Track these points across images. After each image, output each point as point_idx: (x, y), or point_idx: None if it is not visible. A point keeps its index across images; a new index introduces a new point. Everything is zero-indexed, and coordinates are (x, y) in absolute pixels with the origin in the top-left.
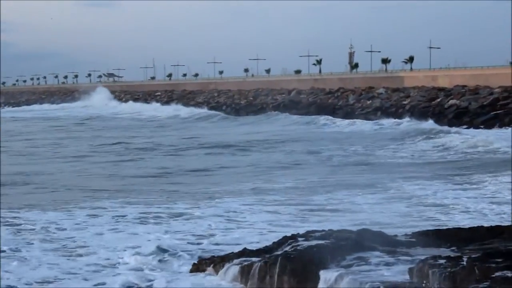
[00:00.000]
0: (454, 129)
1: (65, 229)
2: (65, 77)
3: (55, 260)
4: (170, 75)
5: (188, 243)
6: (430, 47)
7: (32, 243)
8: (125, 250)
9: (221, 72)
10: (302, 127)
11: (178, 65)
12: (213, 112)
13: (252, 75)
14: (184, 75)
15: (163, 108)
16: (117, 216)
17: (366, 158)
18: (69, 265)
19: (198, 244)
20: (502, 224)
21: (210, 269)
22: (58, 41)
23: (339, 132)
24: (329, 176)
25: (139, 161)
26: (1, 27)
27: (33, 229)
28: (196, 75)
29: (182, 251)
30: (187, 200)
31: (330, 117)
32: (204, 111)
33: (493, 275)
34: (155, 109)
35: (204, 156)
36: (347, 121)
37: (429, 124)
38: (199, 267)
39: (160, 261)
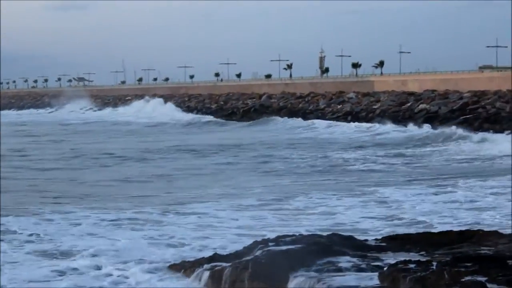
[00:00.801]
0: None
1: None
2: (35, 81)
3: None
4: (140, 79)
5: (158, 247)
6: (400, 52)
7: None
8: (95, 256)
9: (192, 77)
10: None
11: (148, 69)
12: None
13: (221, 80)
14: (155, 79)
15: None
16: (92, 220)
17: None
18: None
19: (169, 249)
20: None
21: (181, 274)
22: (27, 44)
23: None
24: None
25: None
26: None
27: None
28: (167, 79)
29: (153, 255)
30: (156, 205)
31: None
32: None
33: (463, 279)
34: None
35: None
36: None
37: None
38: (170, 271)
39: (130, 266)
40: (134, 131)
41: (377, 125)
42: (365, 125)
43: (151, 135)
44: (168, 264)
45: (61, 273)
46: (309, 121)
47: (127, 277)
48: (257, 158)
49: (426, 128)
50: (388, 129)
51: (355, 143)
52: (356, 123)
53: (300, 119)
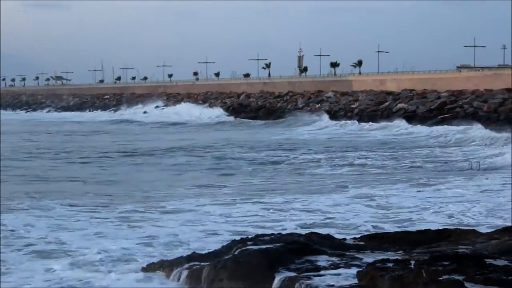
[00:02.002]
0: None
1: None
2: (13, 80)
3: None
4: (119, 78)
5: (137, 246)
6: (379, 51)
7: None
8: (70, 255)
9: (170, 76)
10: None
11: (127, 68)
12: None
13: (197, 79)
14: (133, 78)
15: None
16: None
17: None
18: None
19: (147, 247)
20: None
21: (159, 273)
22: (4, 43)
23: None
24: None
25: None
26: None
27: None
28: (145, 78)
29: (131, 254)
30: (130, 202)
31: None
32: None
33: (440, 278)
34: None
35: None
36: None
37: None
38: (148, 271)
39: (107, 265)
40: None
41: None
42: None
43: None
44: (146, 264)
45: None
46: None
47: (103, 277)
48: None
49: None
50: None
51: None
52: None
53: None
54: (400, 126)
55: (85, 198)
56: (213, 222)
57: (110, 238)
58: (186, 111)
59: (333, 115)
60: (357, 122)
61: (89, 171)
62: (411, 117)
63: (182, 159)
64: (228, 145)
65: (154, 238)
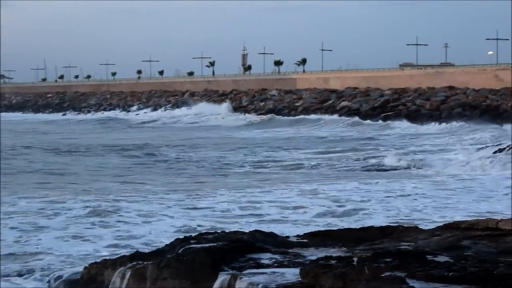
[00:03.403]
0: None
1: None
2: None
3: None
4: (62, 77)
5: (78, 245)
6: (322, 50)
7: None
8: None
9: (114, 74)
10: None
11: (70, 66)
12: None
13: (138, 78)
14: (76, 76)
15: None
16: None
17: None
18: None
19: (90, 245)
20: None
21: (102, 273)
22: None
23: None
24: None
25: None
26: None
27: None
28: (89, 76)
29: (75, 253)
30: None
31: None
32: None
33: (383, 275)
34: None
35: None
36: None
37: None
38: (90, 270)
39: (51, 264)
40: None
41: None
42: None
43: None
44: (89, 263)
45: None
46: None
47: (47, 275)
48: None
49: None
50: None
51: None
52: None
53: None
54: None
55: None
56: None
57: (48, 234)
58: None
59: (277, 113)
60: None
61: None
62: (354, 115)
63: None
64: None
65: (94, 236)
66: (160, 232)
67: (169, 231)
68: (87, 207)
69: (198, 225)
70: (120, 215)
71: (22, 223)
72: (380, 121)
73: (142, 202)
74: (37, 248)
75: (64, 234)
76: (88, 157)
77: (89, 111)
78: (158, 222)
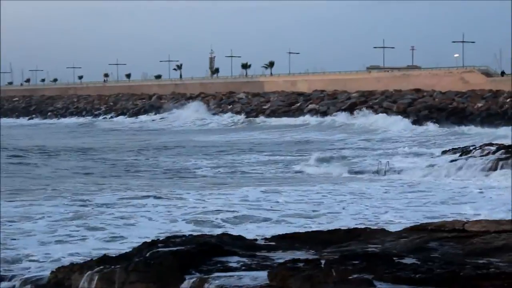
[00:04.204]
0: None
1: None
2: None
3: None
4: (28, 80)
5: (44, 248)
6: (290, 53)
7: None
8: None
9: (80, 77)
10: None
11: (36, 70)
12: None
13: (104, 81)
14: (43, 80)
15: None
16: None
17: None
18: None
19: (56, 249)
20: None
21: (69, 277)
22: None
23: None
24: None
25: None
26: None
27: None
28: (55, 80)
29: (40, 256)
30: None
31: None
32: None
33: (350, 277)
34: None
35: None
36: None
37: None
38: (57, 275)
39: (14, 267)
40: None
41: None
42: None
43: None
44: (55, 267)
45: None
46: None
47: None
48: None
49: None
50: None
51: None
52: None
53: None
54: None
55: None
56: None
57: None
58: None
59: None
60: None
61: None
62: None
63: None
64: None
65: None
66: None
67: None
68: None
69: None
70: None
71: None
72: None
73: None
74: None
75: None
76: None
77: (56, 116)
78: None
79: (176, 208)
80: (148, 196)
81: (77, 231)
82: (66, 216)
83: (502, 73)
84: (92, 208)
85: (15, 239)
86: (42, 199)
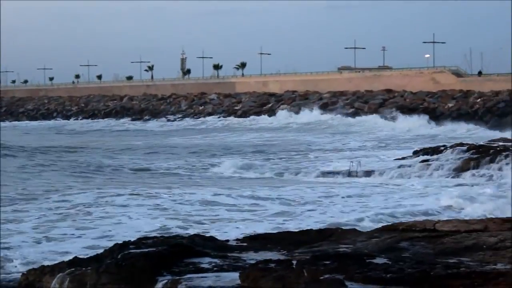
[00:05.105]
0: None
1: None
2: None
3: None
4: None
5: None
6: (261, 53)
7: None
8: None
9: (51, 79)
10: None
11: (6, 71)
12: None
13: (73, 82)
14: (13, 81)
15: None
16: None
17: None
18: None
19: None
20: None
21: (40, 279)
22: None
23: None
24: None
25: None
26: None
27: None
28: (26, 81)
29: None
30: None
31: None
32: None
33: (322, 277)
34: None
35: None
36: None
37: None
38: (28, 277)
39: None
40: None
41: None
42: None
43: None
44: (26, 270)
45: None
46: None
47: None
48: None
49: None
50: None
51: None
52: None
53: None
54: None
55: None
56: None
57: None
58: None
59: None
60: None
61: None
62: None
63: None
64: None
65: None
66: None
67: None
68: None
69: None
70: None
71: None
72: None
73: None
74: None
75: None
76: None
77: (27, 117)
78: None
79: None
80: None
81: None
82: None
83: (479, 73)
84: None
85: None
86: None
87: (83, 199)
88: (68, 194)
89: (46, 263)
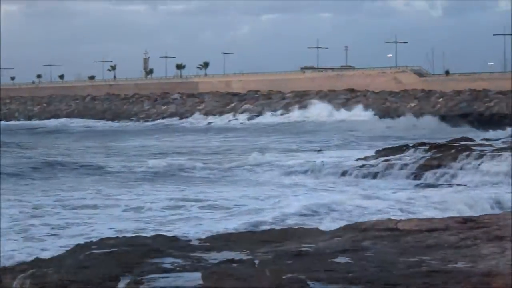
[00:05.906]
0: None
1: None
2: None
3: None
4: None
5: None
6: (224, 53)
7: None
8: None
9: (12, 78)
10: None
11: None
12: None
13: (33, 82)
14: None
15: None
16: None
17: None
18: None
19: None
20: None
21: (1, 281)
22: None
23: None
24: None
25: None
26: None
27: None
28: None
29: None
30: None
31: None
32: None
33: (284, 277)
34: None
35: None
36: None
37: None
38: None
39: None
40: None
41: None
42: None
43: None
44: None
45: None
46: None
47: None
48: None
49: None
50: None
51: None
52: None
53: None
54: None
55: None
56: None
57: None
58: None
59: (182, 117)
60: None
61: None
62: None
63: None
64: None
65: None
66: None
67: None
68: None
69: None
70: None
71: None
72: None
73: None
74: None
75: None
76: None
77: None
78: None
79: None
80: None
81: None
82: None
83: (447, 72)
84: None
85: None
86: None
87: None
88: None
89: None
